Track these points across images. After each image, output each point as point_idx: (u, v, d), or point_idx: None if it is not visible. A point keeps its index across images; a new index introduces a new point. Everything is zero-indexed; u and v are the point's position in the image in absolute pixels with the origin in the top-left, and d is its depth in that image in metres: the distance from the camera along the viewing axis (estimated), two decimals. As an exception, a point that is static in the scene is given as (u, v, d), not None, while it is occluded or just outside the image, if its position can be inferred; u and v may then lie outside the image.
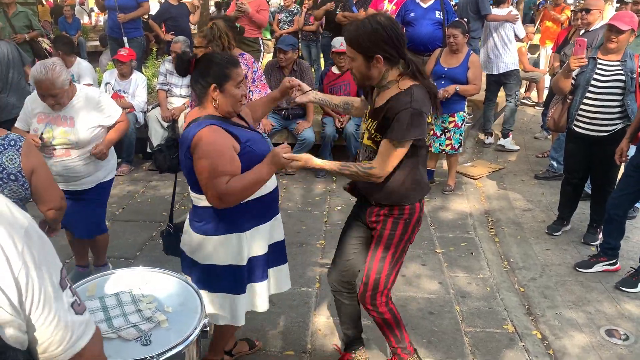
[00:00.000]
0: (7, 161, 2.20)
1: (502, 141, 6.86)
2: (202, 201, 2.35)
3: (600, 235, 4.44)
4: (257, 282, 2.53)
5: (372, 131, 2.37)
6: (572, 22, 6.36)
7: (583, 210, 4.72)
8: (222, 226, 2.36)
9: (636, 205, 4.65)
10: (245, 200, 2.30)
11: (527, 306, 3.71)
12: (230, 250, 2.38)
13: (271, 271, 2.62)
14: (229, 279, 2.42)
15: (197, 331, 1.87)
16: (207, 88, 2.26)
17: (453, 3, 6.56)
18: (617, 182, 4.07)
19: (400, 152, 2.28)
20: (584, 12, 5.37)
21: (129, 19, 7.12)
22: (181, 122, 5.92)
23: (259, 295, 2.55)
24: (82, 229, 3.57)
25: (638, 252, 4.01)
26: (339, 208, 5.11)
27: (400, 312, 3.47)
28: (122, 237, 4.53)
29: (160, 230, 2.75)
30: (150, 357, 1.73)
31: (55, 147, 3.19)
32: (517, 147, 6.80)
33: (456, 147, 5.35)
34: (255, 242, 2.45)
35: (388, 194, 2.44)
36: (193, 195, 2.41)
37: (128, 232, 4.63)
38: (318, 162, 2.31)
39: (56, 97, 3.04)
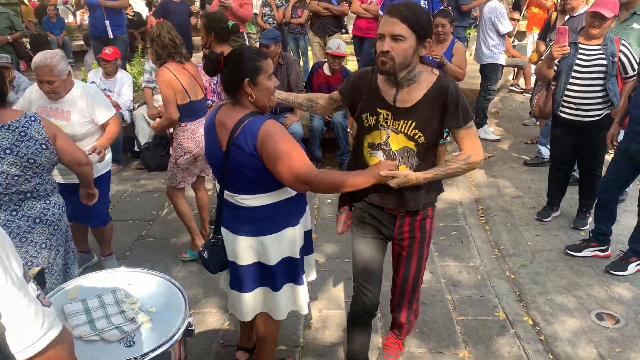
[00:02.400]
0: (36, 134, 2.47)
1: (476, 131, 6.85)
2: (255, 201, 2.34)
3: (590, 220, 4.45)
4: (302, 276, 2.60)
5: (411, 132, 2.23)
6: (557, 8, 6.33)
7: (572, 196, 4.73)
8: (278, 223, 2.38)
9: (626, 189, 4.66)
10: (293, 194, 2.38)
11: (518, 293, 3.71)
12: (286, 245, 2.42)
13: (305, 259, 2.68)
14: (287, 271, 2.47)
15: (181, 330, 1.85)
16: (241, 83, 2.22)
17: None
18: (604, 166, 4.08)
19: (475, 131, 2.30)
20: (568, -3, 5.36)
21: (110, 6, 7.03)
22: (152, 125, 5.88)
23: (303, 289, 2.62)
24: (91, 219, 3.71)
25: (627, 236, 4.02)
26: (329, 201, 5.10)
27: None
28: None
29: (199, 251, 2.60)
30: (134, 358, 1.71)
31: None
32: (496, 137, 6.78)
33: (444, 137, 5.32)
34: (301, 234, 2.52)
35: (423, 195, 2.39)
36: (243, 197, 2.35)
37: (118, 232, 4.57)
38: (417, 175, 2.20)
39: (52, 85, 3.15)
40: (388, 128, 2.27)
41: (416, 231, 2.49)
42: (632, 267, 3.81)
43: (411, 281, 2.61)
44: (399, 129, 2.25)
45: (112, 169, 5.82)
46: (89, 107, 3.34)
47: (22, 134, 2.43)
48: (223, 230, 2.47)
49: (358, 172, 2.25)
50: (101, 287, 2.06)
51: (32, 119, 2.50)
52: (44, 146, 2.50)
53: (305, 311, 2.63)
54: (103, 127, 3.47)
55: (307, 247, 2.69)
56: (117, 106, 5.91)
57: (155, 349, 1.75)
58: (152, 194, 5.40)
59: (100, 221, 3.74)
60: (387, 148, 2.30)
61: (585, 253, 4.04)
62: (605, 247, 4.05)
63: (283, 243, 2.41)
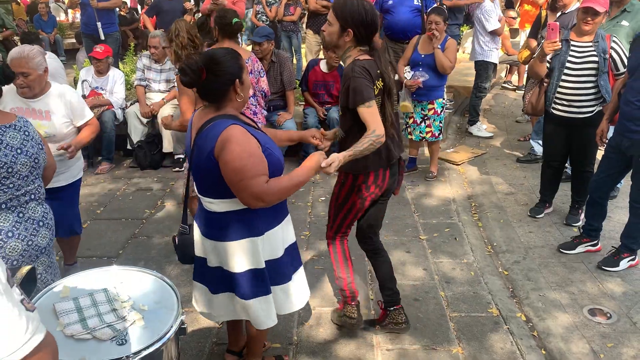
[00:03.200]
0: (33, 134, 2.45)
1: (469, 129, 6.89)
2: (215, 206, 2.27)
3: (583, 216, 4.47)
4: (280, 284, 2.48)
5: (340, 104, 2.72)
6: (548, 5, 6.35)
7: (565, 192, 4.75)
8: (238, 231, 2.28)
9: (617, 185, 4.69)
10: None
11: (511, 289, 3.73)
12: (249, 255, 2.31)
13: (295, 273, 2.57)
14: (253, 283, 2.35)
15: (174, 328, 1.84)
16: (230, 86, 2.16)
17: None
18: (596, 163, 4.10)
19: (374, 110, 2.57)
20: (559, -6, 5.37)
21: (102, 7, 7.00)
22: (161, 117, 5.85)
23: (289, 295, 2.51)
24: (62, 228, 3.50)
25: (619, 232, 4.03)
26: (322, 199, 5.10)
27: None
28: (104, 236, 4.48)
29: (173, 236, 2.59)
30: (126, 356, 1.70)
31: None
32: (489, 134, 6.80)
33: (436, 135, 5.35)
34: (270, 245, 2.39)
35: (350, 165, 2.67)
36: (206, 200, 2.30)
37: (110, 231, 4.58)
38: (344, 155, 2.46)
39: (27, 78, 3.04)
40: None
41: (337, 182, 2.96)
42: (624, 263, 3.83)
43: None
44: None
45: (104, 168, 5.86)
46: (67, 108, 3.27)
47: (26, 133, 2.40)
48: (195, 225, 2.45)
49: (298, 171, 2.29)
50: (93, 285, 2.04)
51: (26, 120, 2.46)
52: (40, 146, 2.48)
53: (274, 322, 2.50)
54: (79, 130, 3.40)
55: (296, 260, 2.60)
56: (109, 104, 5.89)
57: (147, 347, 1.74)
58: (145, 192, 5.38)
59: (68, 232, 3.59)
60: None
61: (578, 250, 4.06)
62: (596, 242, 4.07)
63: (246, 252, 2.31)
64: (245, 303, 2.37)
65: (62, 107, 3.25)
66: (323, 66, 5.81)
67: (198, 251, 2.45)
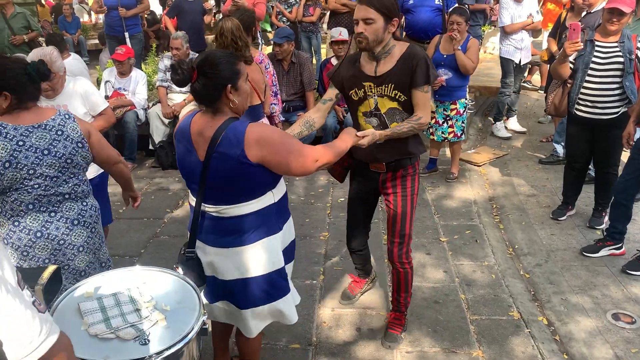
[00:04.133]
0: (71, 132, 2.43)
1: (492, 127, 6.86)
2: (232, 210, 2.21)
3: (606, 219, 4.40)
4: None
5: (392, 94, 2.66)
6: (573, 4, 6.25)
7: (588, 194, 4.68)
8: (259, 231, 2.26)
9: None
10: (276, 198, 2.32)
11: (532, 292, 3.69)
12: (271, 254, 2.30)
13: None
14: (270, 287, 2.33)
15: (195, 329, 1.86)
16: (222, 90, 2.09)
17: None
18: (620, 164, 4.03)
19: (429, 95, 2.65)
20: (586, -6, 5.29)
21: (131, 15, 7.12)
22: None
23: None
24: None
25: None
26: (342, 200, 5.09)
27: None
28: (126, 235, 4.54)
29: (174, 265, 2.49)
30: (148, 356, 1.72)
31: None
32: (507, 135, 6.74)
33: (459, 135, 5.31)
34: (284, 240, 2.45)
35: (400, 154, 2.81)
36: (226, 207, 2.22)
37: (132, 230, 4.64)
38: (382, 133, 2.57)
39: (52, 82, 3.12)
40: (375, 95, 2.71)
41: (398, 187, 2.89)
42: None
43: (398, 222, 2.93)
44: (383, 93, 2.68)
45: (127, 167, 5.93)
46: (83, 99, 3.39)
47: (59, 132, 2.38)
48: (199, 243, 2.34)
49: (337, 141, 2.39)
50: (116, 285, 2.07)
51: (67, 116, 2.45)
52: (79, 144, 2.45)
53: (295, 319, 2.51)
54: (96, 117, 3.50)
55: (291, 255, 2.59)
56: (131, 105, 5.97)
57: (169, 348, 1.76)
58: (167, 192, 5.43)
59: (108, 218, 3.63)
60: (377, 112, 2.75)
61: (602, 253, 4.00)
62: (620, 245, 4.00)
63: (267, 252, 2.28)
64: (246, 312, 2.34)
65: (80, 99, 3.38)
66: (335, 62, 5.82)
67: (208, 269, 2.37)
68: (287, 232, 2.48)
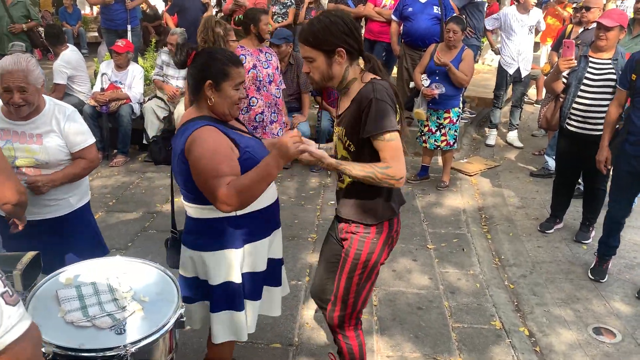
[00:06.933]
0: None
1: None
2: (193, 211, 2.22)
3: (593, 234, 4.43)
4: (250, 300, 2.34)
5: (344, 139, 2.21)
6: (573, 20, 6.30)
7: (576, 208, 4.71)
8: (216, 241, 2.20)
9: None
10: (239, 213, 2.15)
11: (515, 303, 3.70)
12: (225, 267, 2.21)
13: (264, 290, 2.43)
14: (225, 296, 2.24)
15: (172, 321, 1.86)
16: (203, 84, 2.10)
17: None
18: (608, 181, 4.04)
19: (397, 144, 2.09)
20: (584, 10, 5.34)
21: (134, 6, 7.14)
22: (177, 113, 5.92)
23: (249, 314, 2.36)
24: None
25: (630, 250, 3.98)
26: (332, 202, 5.10)
27: (388, 307, 3.50)
28: (114, 228, 4.53)
29: (166, 239, 2.59)
30: (123, 345, 1.73)
31: (18, 167, 2.61)
32: (492, 142, 6.84)
33: (451, 143, 5.33)
34: (251, 258, 2.28)
35: (355, 208, 2.29)
36: (185, 204, 2.24)
37: (121, 223, 4.64)
38: (332, 161, 2.08)
39: (25, 94, 2.49)
40: (335, 135, 2.32)
41: (347, 242, 2.35)
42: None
43: (336, 279, 2.42)
44: (339, 136, 2.27)
45: (119, 161, 5.93)
46: (64, 129, 2.66)
47: None
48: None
49: (267, 157, 2.01)
50: (96, 274, 2.07)
51: None
52: None
53: (244, 338, 2.34)
54: (73, 158, 2.73)
55: (273, 277, 2.44)
56: (127, 98, 5.97)
57: (145, 338, 1.77)
58: (158, 187, 5.43)
59: (101, 253, 2.98)
60: (334, 156, 2.29)
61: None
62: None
63: (222, 264, 2.20)
64: (212, 315, 2.27)
65: (58, 127, 2.66)
66: None
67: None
68: (261, 250, 2.31)
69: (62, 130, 2.65)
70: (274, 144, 2.13)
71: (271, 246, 2.40)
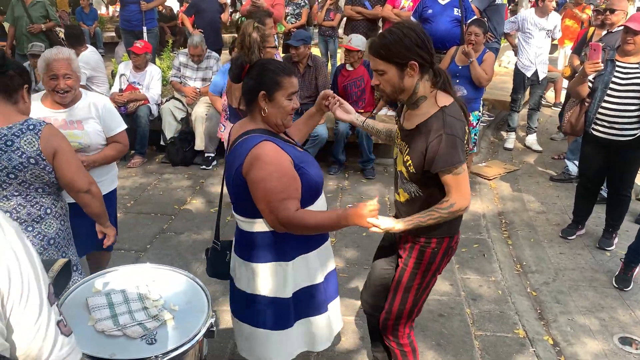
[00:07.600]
0: (25, 145, 2.16)
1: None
2: (247, 225, 2.20)
3: (616, 241, 4.36)
4: (313, 315, 2.34)
5: (406, 157, 2.19)
6: (593, 22, 6.22)
7: (599, 215, 4.64)
8: (268, 254, 2.19)
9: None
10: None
11: (539, 311, 3.65)
12: (275, 281, 2.21)
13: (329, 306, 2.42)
14: (271, 313, 2.24)
15: (203, 331, 1.85)
16: (256, 95, 2.10)
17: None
18: (633, 187, 3.97)
19: (463, 176, 2.10)
20: (608, 12, 5.26)
21: (150, 8, 7.16)
22: (195, 115, 5.92)
23: (317, 329, 2.36)
24: (90, 240, 2.95)
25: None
26: (350, 205, 5.07)
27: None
28: (132, 230, 4.53)
29: (206, 249, 2.58)
30: (155, 356, 1.71)
31: None
32: (510, 146, 6.78)
33: (471, 147, 5.28)
34: (303, 271, 2.27)
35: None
36: (238, 217, 2.23)
37: (139, 225, 4.64)
38: (399, 226, 2.09)
39: (70, 80, 2.74)
40: (397, 146, 2.30)
41: (404, 253, 2.37)
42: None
43: (391, 292, 2.45)
44: (400, 149, 2.25)
45: (137, 162, 5.94)
46: (101, 116, 2.95)
47: (8, 143, 2.13)
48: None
49: (339, 214, 2.02)
50: (125, 281, 2.06)
51: (29, 127, 2.18)
52: (32, 160, 2.17)
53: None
54: (108, 142, 3.03)
55: (333, 290, 2.45)
56: (145, 99, 5.98)
57: (176, 348, 1.75)
58: (175, 188, 5.43)
59: (94, 245, 2.98)
60: (395, 162, 2.32)
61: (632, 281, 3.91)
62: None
63: (271, 278, 2.21)
64: (255, 331, 2.26)
65: (95, 114, 2.95)
66: (348, 67, 5.81)
67: (232, 269, 2.39)
68: (313, 262, 2.30)
69: (100, 117, 2.93)
70: (354, 207, 2.03)
71: (323, 259, 2.37)
